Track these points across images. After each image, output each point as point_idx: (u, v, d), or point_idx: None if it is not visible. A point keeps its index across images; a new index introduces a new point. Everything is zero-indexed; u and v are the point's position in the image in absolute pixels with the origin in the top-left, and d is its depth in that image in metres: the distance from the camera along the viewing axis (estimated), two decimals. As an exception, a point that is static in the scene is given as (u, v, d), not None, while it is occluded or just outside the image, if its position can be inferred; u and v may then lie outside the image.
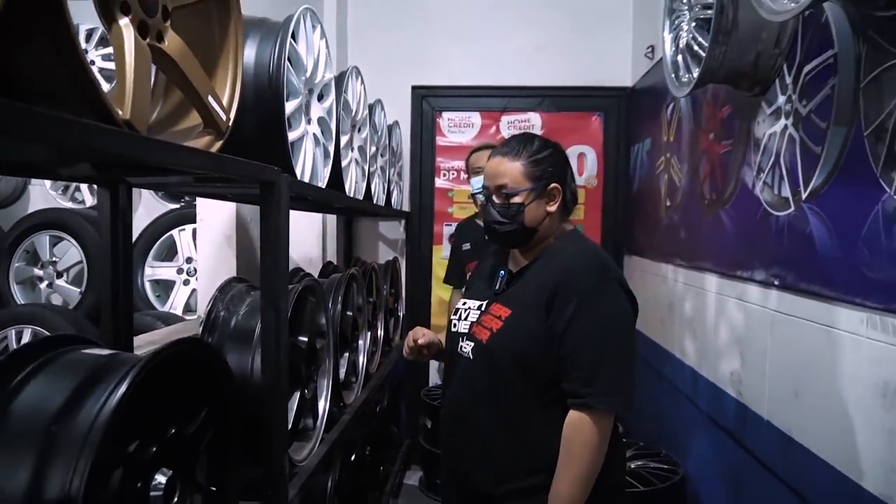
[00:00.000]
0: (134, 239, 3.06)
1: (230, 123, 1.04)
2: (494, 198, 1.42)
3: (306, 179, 1.52)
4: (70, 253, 3.08)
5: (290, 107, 1.40)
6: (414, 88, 3.47)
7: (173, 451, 0.90)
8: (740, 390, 1.76)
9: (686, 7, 1.69)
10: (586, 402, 1.27)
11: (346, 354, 1.97)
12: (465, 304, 1.54)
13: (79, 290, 3.02)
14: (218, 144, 1.01)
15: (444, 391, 1.61)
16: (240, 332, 1.41)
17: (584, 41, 3.35)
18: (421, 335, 1.56)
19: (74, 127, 0.62)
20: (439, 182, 3.53)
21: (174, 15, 0.92)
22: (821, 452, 1.32)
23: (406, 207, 3.47)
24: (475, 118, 3.51)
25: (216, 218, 2.15)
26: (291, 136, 1.41)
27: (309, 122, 1.57)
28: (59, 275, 3.11)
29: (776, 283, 1.54)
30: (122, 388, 0.75)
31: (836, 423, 1.27)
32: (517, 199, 1.39)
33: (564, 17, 3.36)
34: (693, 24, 1.64)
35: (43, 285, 3.12)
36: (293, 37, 1.41)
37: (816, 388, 1.36)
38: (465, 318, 1.49)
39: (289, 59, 1.38)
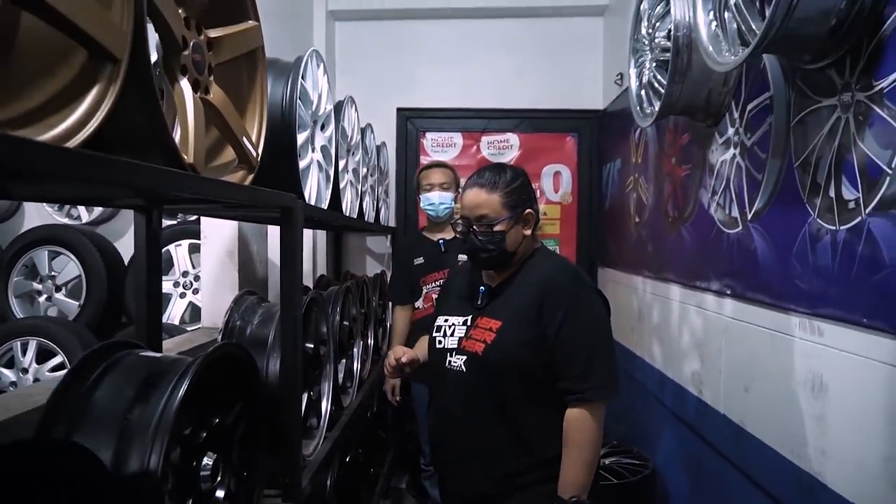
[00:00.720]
0: (131, 255, 3.19)
1: (259, 159, 1.22)
2: (475, 227, 1.52)
3: (312, 202, 1.69)
4: (68, 267, 3.19)
5: (300, 138, 1.57)
6: (399, 110, 3.67)
7: (217, 438, 1.06)
8: (700, 388, 1.97)
9: (647, 48, 1.91)
10: (584, 395, 1.41)
11: (343, 361, 2.13)
12: (446, 320, 1.61)
13: (77, 303, 3.14)
14: (250, 178, 1.18)
15: (432, 404, 1.69)
16: (255, 339, 1.57)
17: (559, 67, 3.58)
18: (402, 353, 1.66)
19: (164, 175, 0.79)
20: (423, 199, 3.72)
21: (216, 71, 1.09)
22: (765, 439, 1.53)
23: (392, 223, 3.65)
24: (457, 138, 3.71)
25: (219, 235, 2.30)
26: (301, 164, 1.59)
27: (314, 150, 1.75)
28: (58, 288, 3.22)
29: (728, 292, 1.76)
30: (186, 382, 0.91)
31: (777, 412, 1.47)
32: (499, 228, 1.50)
33: (540, 44, 3.60)
34: (654, 64, 1.86)
35: (42, 299, 3.22)
36: (302, 76, 1.59)
37: (761, 383, 1.57)
38: (452, 335, 1.57)
39: (299, 97, 1.56)
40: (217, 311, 2.29)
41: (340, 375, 2.09)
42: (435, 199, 2.76)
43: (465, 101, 3.64)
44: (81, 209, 3.58)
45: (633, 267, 2.82)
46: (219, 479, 1.07)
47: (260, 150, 1.23)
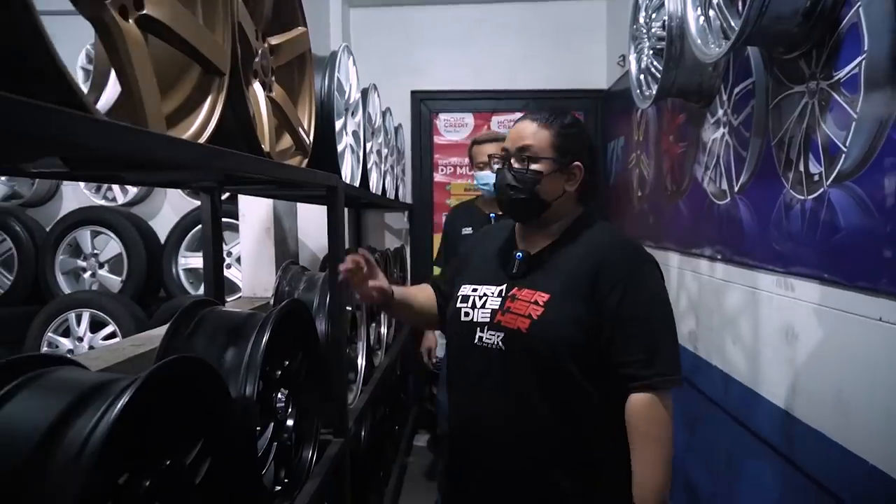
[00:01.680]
0: (167, 233, 3.43)
1: (311, 145, 1.43)
2: (513, 161, 1.34)
3: (347, 182, 1.91)
4: (110, 246, 3.43)
5: (337, 125, 1.78)
6: (413, 93, 3.86)
7: (287, 377, 1.29)
8: (696, 345, 2.19)
9: (645, 36, 2.09)
10: (651, 382, 1.22)
11: (374, 325, 2.37)
12: (475, 289, 1.40)
13: (119, 278, 3.38)
14: (305, 161, 1.40)
15: (452, 384, 1.49)
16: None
17: (564, 49, 3.75)
18: (364, 258, 1.40)
19: (256, 162, 1.01)
20: (437, 177, 3.93)
21: (277, 72, 1.30)
22: (748, 383, 1.75)
23: (409, 200, 3.86)
24: (468, 119, 3.91)
25: (256, 213, 2.53)
26: (339, 148, 1.80)
27: (347, 134, 1.96)
28: (101, 265, 3.46)
29: (719, 257, 1.97)
30: (270, 327, 1.14)
31: (758, 359, 1.69)
32: (537, 167, 1.31)
33: (546, 27, 3.76)
34: (651, 51, 2.05)
35: (86, 275, 3.47)
36: (337, 69, 1.80)
37: (746, 335, 1.78)
38: (483, 307, 1.36)
39: (336, 88, 1.77)
40: (256, 282, 2.53)
41: (372, 337, 2.33)
42: (490, 179, 2.56)
43: (475, 84, 3.83)
44: (117, 191, 3.81)
45: (636, 238, 3.03)
46: (289, 411, 1.30)
47: (311, 138, 1.45)
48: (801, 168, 1.45)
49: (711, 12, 1.54)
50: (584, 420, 1.29)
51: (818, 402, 1.41)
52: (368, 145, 2.28)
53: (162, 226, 3.69)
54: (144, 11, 0.75)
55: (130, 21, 0.74)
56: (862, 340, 1.25)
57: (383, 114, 2.76)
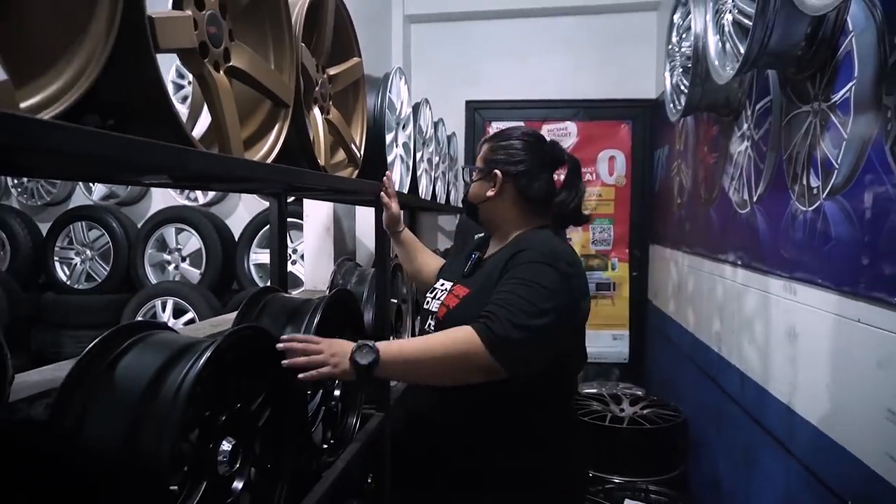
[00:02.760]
0: (240, 231, 3.77)
1: (362, 158, 1.67)
2: None
3: (397, 188, 2.14)
4: (191, 242, 3.82)
5: (388, 138, 2.02)
6: (467, 102, 4.07)
7: (335, 355, 1.53)
8: (720, 346, 2.30)
9: (677, 55, 2.23)
10: (477, 325, 1.22)
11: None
12: (442, 284, 1.56)
13: (198, 271, 3.76)
14: (356, 173, 1.64)
15: None
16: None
17: (614, 59, 3.88)
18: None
19: (315, 176, 1.25)
20: (489, 182, 4.13)
21: (333, 97, 1.55)
22: (759, 381, 1.87)
23: (460, 204, 4.08)
24: (520, 127, 4.09)
25: (318, 214, 2.81)
26: (389, 158, 2.03)
27: (397, 146, 2.20)
28: (183, 259, 3.86)
29: (739, 263, 2.09)
30: (319, 312, 1.38)
31: (766, 358, 1.82)
32: (472, 175, 1.55)
33: (597, 38, 3.90)
34: (680, 69, 2.19)
35: (170, 268, 3.88)
36: (389, 89, 2.03)
37: (759, 336, 1.90)
38: (437, 298, 1.52)
39: (387, 106, 2.00)
40: (317, 276, 2.81)
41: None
42: None
43: (527, 93, 4.01)
44: (198, 193, 4.21)
45: (674, 243, 3.14)
46: (336, 382, 1.54)
47: (362, 152, 1.69)
48: (805, 182, 1.58)
49: (725, 38, 1.69)
50: (516, 400, 1.34)
51: (813, 397, 1.53)
52: (419, 154, 2.51)
53: (236, 224, 4.05)
54: (231, 63, 1.00)
55: (221, 72, 0.99)
56: (845, 340, 1.38)
57: (435, 124, 2.99)
